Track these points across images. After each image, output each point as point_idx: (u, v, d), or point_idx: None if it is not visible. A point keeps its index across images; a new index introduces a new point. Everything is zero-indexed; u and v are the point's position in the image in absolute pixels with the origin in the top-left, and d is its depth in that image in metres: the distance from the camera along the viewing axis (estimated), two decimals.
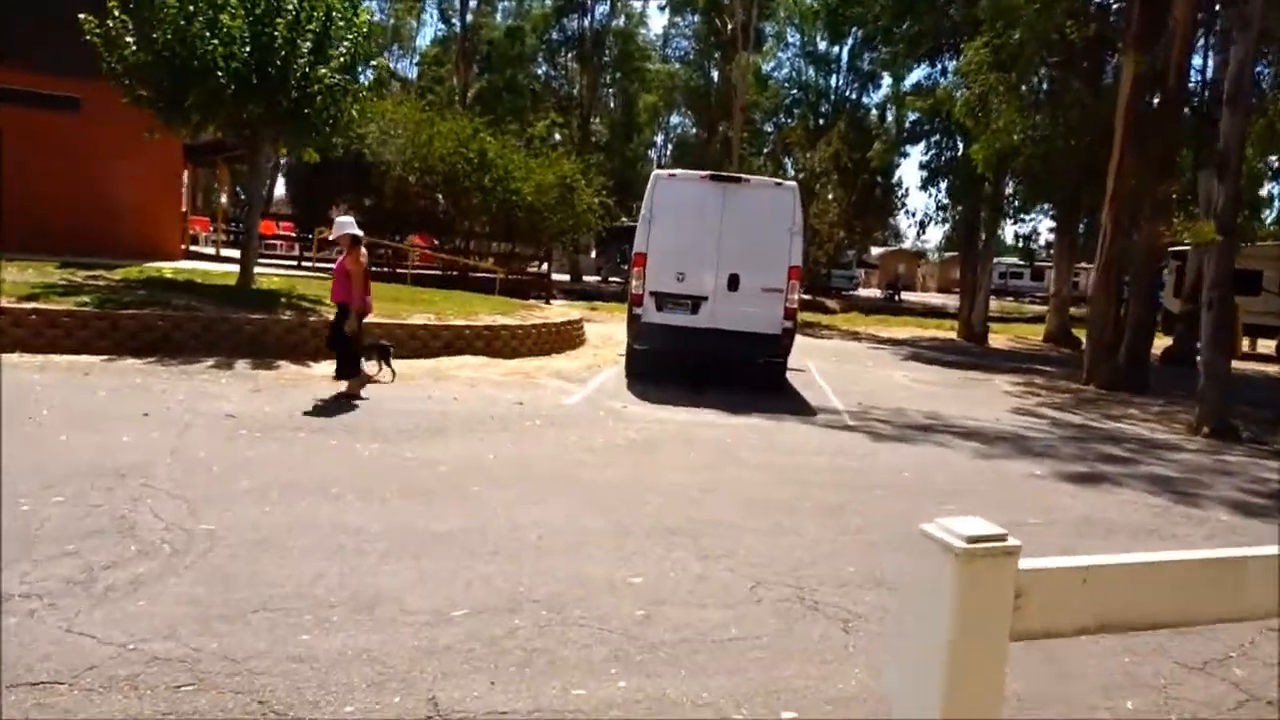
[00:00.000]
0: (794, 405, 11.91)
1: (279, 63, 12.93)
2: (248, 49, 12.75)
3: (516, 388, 11.38)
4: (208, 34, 12.60)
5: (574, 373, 13.16)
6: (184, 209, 21.99)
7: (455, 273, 23.30)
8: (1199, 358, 13.47)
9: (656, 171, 12.72)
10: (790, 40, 62.71)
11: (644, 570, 5.17)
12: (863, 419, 11.19)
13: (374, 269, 22.38)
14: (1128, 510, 7.61)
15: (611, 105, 56.79)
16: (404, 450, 7.59)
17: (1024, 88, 18.24)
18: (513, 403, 10.27)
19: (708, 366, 13.59)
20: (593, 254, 48.34)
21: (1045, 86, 18.55)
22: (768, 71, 62.64)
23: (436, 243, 24.98)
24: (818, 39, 60.63)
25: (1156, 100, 17.21)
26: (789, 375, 13.78)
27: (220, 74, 12.56)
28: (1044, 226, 47.43)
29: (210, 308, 12.54)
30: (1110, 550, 6.30)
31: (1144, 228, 16.75)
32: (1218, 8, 18.66)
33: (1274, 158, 19.79)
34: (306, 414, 8.78)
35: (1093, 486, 8.43)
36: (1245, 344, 27.36)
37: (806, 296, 47.08)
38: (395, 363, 11.29)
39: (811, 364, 16.86)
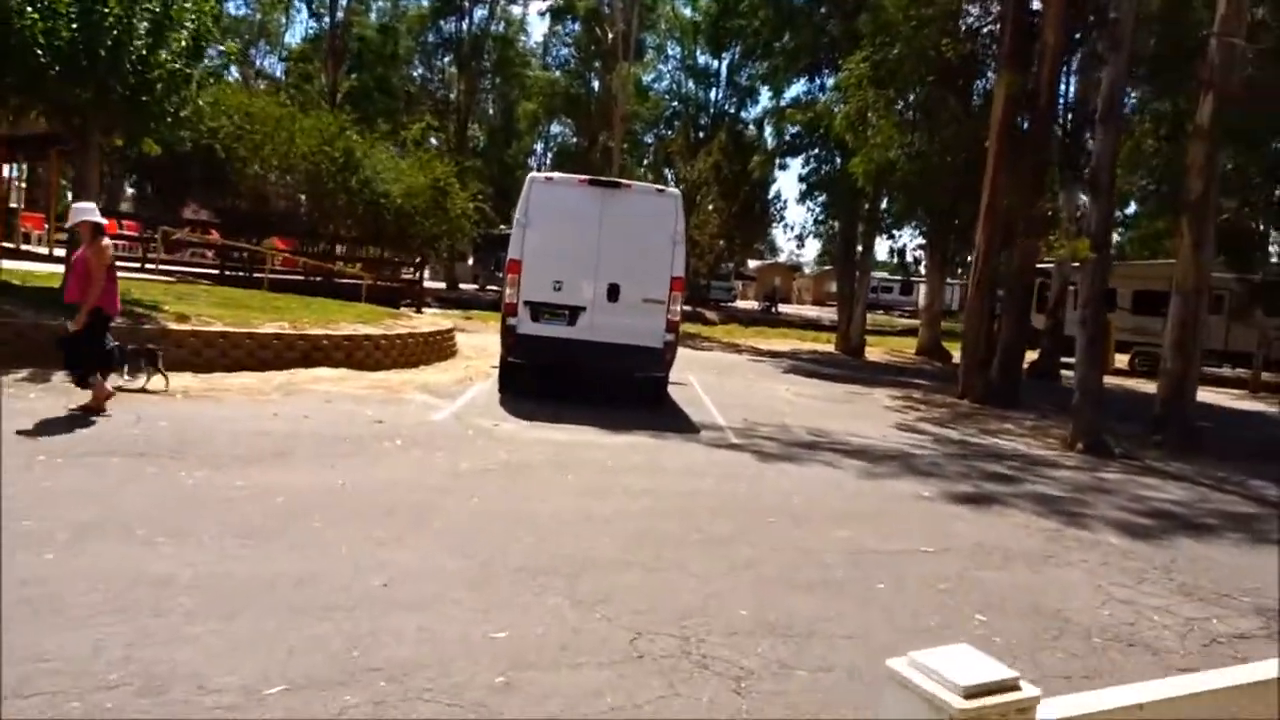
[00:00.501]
0: (677, 422, 11.37)
1: (110, 43, 11.60)
2: (74, 26, 11.40)
3: (378, 403, 10.46)
4: (27, 8, 11.21)
5: (443, 387, 12.29)
6: (12, 205, 19.97)
7: (319, 278, 21.91)
8: (1072, 372, 13.62)
9: (532, 175, 12.02)
10: (671, 53, 63.18)
11: (509, 623, 4.45)
12: (748, 436, 10.73)
13: (231, 273, 21.11)
14: (1020, 535, 7.31)
15: (490, 111, 55.66)
16: (236, 478, 6.63)
17: (901, 104, 18.34)
18: (372, 420, 9.36)
19: (587, 381, 12.94)
20: (470, 261, 47.05)
21: (922, 103, 18.68)
22: (648, 83, 62.84)
23: (300, 247, 23.46)
24: (697, 53, 61.35)
25: (1027, 120, 17.54)
26: (671, 389, 13.25)
27: (40, 53, 11.18)
28: (913, 242, 49.03)
29: (29, 313, 11.14)
30: (1008, 577, 5.96)
31: (1018, 244, 17.00)
32: (1085, 32, 19.20)
33: (1139, 176, 20.41)
34: (124, 433, 7.68)
35: (982, 509, 8.15)
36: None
37: (686, 307, 47.30)
38: (244, 376, 10.21)
39: (694, 377, 16.42)
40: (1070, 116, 20.93)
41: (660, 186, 12.29)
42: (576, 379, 12.77)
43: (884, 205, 24.19)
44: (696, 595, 5.11)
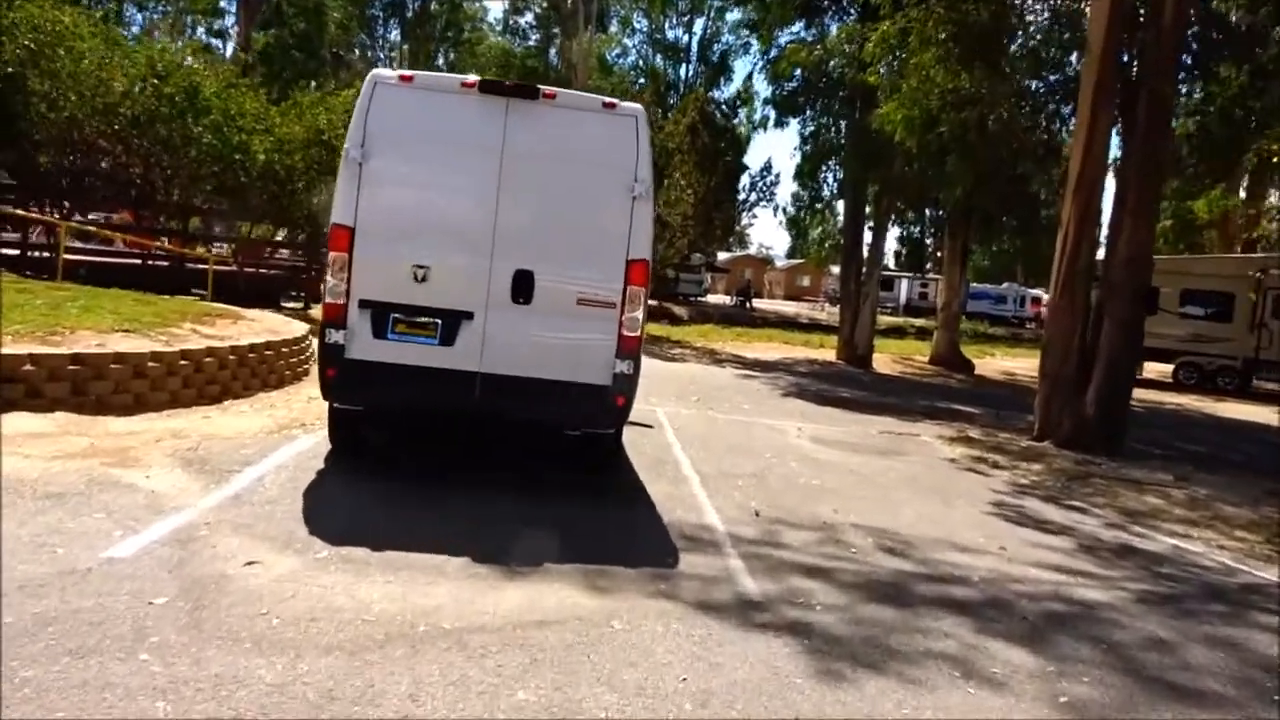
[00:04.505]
0: (634, 531, 6.15)
1: None
2: None
3: (54, 502, 5.18)
4: None
5: (230, 448, 6.99)
6: None
7: (168, 263, 16.44)
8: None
9: (377, 73, 6.78)
10: (638, 25, 58.02)
11: None
12: (773, 572, 5.50)
13: (19, 253, 15.34)
14: None
15: None
16: None
17: (952, 28, 13.17)
18: None
19: (484, 436, 7.78)
20: None
21: (980, 31, 13.43)
22: (613, 59, 57.63)
23: (153, 222, 17.82)
24: (666, 26, 56.27)
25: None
26: (630, 438, 8.14)
27: None
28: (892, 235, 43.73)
29: None
30: None
31: (1127, 225, 11.97)
32: None
33: None
34: None
35: None
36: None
37: (652, 302, 41.75)
38: None
39: (662, 410, 11.23)
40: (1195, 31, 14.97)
41: (609, 99, 7.09)
42: (467, 434, 7.58)
43: (905, 173, 18.94)
44: None
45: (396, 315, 6.34)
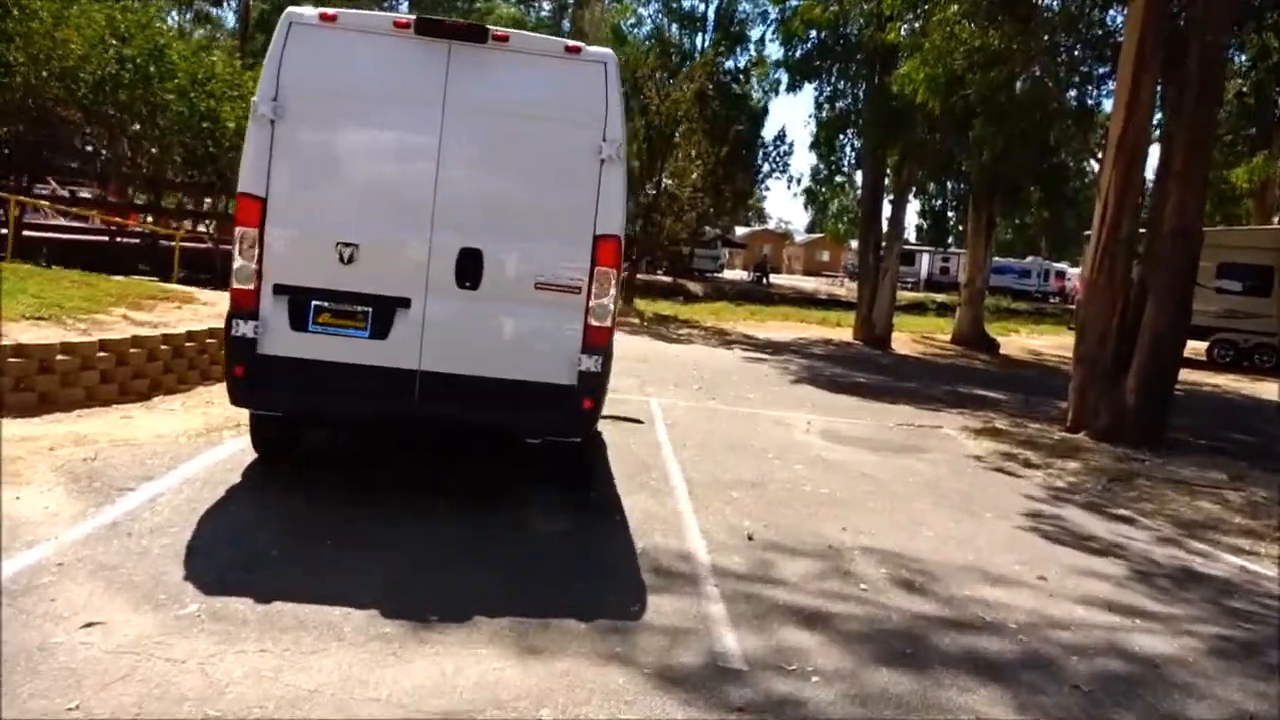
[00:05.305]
0: (595, 568, 5.10)
1: None
2: None
3: None
4: None
5: (142, 454, 6.02)
6: None
7: (138, 240, 15.43)
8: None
9: (292, 11, 5.70)
10: None
11: None
12: (760, 623, 4.44)
13: None
14: None
15: None
16: None
17: None
18: None
19: (429, 441, 6.79)
20: None
21: None
22: (627, 29, 56.06)
23: (129, 196, 16.84)
24: None
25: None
26: (619, 437, 7.20)
27: None
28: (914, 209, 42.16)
29: None
30: None
31: (1170, 193, 10.77)
32: None
33: None
34: None
35: None
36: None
37: (666, 279, 40.76)
38: None
39: (657, 401, 10.20)
40: None
41: (572, 42, 5.98)
42: (410, 435, 6.60)
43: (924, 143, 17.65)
44: None
45: (318, 303, 5.32)
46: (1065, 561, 5.95)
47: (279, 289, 5.28)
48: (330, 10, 5.46)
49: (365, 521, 5.25)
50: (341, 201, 5.37)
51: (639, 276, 28.34)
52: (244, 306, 5.26)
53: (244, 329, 5.26)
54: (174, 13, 33.09)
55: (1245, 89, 13.96)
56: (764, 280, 47.45)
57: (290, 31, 5.33)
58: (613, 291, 5.49)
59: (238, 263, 5.26)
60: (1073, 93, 15.09)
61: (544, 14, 57.92)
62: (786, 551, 5.50)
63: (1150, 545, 6.62)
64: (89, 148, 15.78)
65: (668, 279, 38.27)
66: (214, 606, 3.93)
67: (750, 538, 5.67)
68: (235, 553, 4.58)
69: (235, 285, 5.28)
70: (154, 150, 15.43)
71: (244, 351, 5.26)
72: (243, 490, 5.59)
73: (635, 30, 56.69)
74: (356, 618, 3.95)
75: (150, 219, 16.63)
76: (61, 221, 17.02)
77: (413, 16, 5.46)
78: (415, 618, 4.00)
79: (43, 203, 14.78)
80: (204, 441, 6.56)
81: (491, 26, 5.49)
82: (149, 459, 5.98)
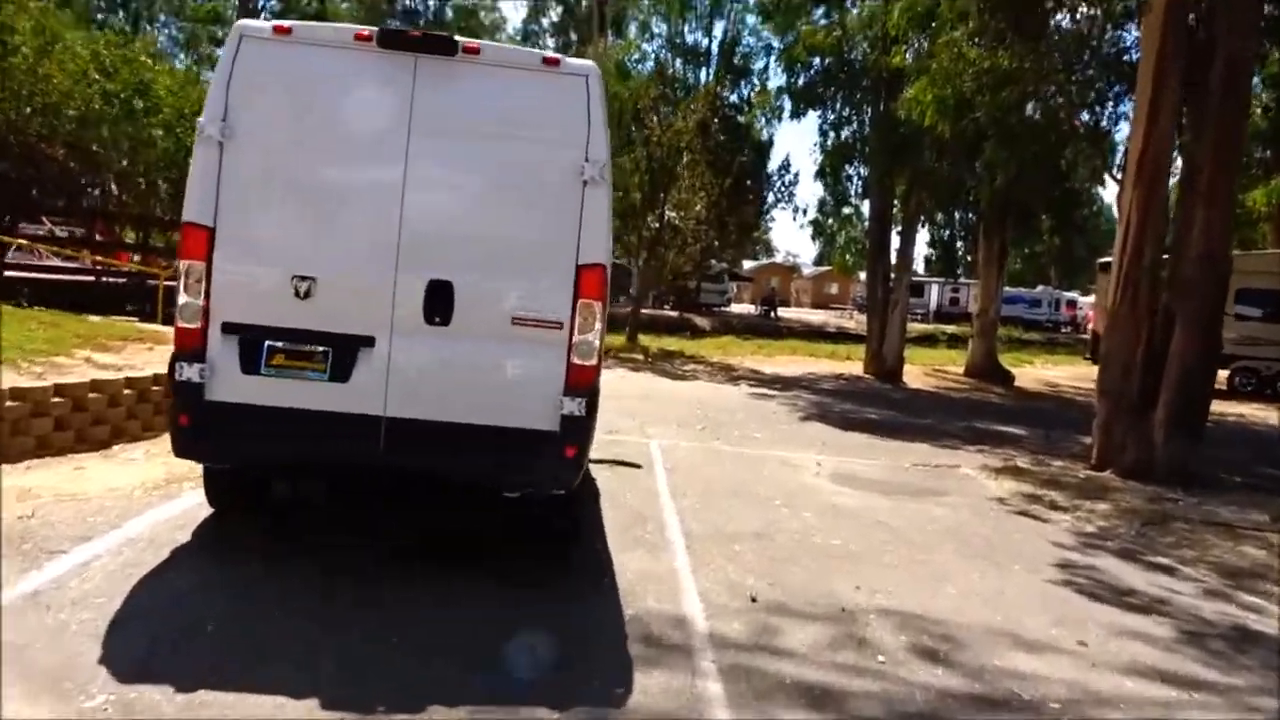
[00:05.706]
0: (577, 640, 4.53)
1: None
2: None
3: None
4: None
5: (88, 510, 5.51)
6: None
7: (124, 279, 15.00)
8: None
9: (244, 24, 5.24)
10: (656, 30, 56.65)
11: None
12: (761, 705, 3.85)
13: None
14: None
15: None
16: None
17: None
18: None
19: (395, 496, 6.24)
20: None
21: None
22: (631, 65, 56.18)
23: (117, 234, 16.42)
24: (686, 30, 54.83)
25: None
26: (616, 483, 6.67)
27: None
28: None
29: None
30: None
31: (1194, 216, 10.25)
32: None
33: None
34: None
35: None
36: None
37: (672, 313, 40.27)
38: None
39: (658, 443, 9.65)
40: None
41: (550, 53, 5.51)
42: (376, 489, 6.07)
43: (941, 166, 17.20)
44: None
45: (272, 343, 4.80)
46: (1105, 621, 5.35)
47: (228, 328, 4.77)
48: (285, 23, 5.00)
49: (319, 589, 4.70)
50: (297, 231, 4.87)
51: (644, 311, 27.84)
52: (189, 348, 4.75)
53: (189, 373, 4.74)
54: (182, 54, 33.02)
55: (1260, 109, 13.48)
56: (772, 314, 46.91)
57: (241, 45, 4.86)
58: (598, 326, 4.96)
59: (182, 299, 4.76)
60: (1086, 115, 14.63)
61: (550, 49, 58.25)
62: (794, 615, 4.92)
63: (1197, 599, 6.01)
64: (77, 184, 15.38)
65: (674, 314, 37.82)
66: (126, 697, 3.38)
67: (754, 599, 5.10)
68: (165, 628, 4.03)
69: (180, 324, 4.77)
70: (142, 186, 15.07)
71: (190, 398, 4.74)
72: (189, 552, 5.05)
73: (640, 66, 57.01)
74: (291, 710, 3.39)
75: (138, 258, 16.25)
76: (54, 262, 16.69)
77: (375, 29, 4.99)
78: (360, 709, 3.44)
79: (22, 240, 14.43)
80: (159, 495, 6.03)
81: (461, 38, 5.02)
82: (92, 515, 5.45)
